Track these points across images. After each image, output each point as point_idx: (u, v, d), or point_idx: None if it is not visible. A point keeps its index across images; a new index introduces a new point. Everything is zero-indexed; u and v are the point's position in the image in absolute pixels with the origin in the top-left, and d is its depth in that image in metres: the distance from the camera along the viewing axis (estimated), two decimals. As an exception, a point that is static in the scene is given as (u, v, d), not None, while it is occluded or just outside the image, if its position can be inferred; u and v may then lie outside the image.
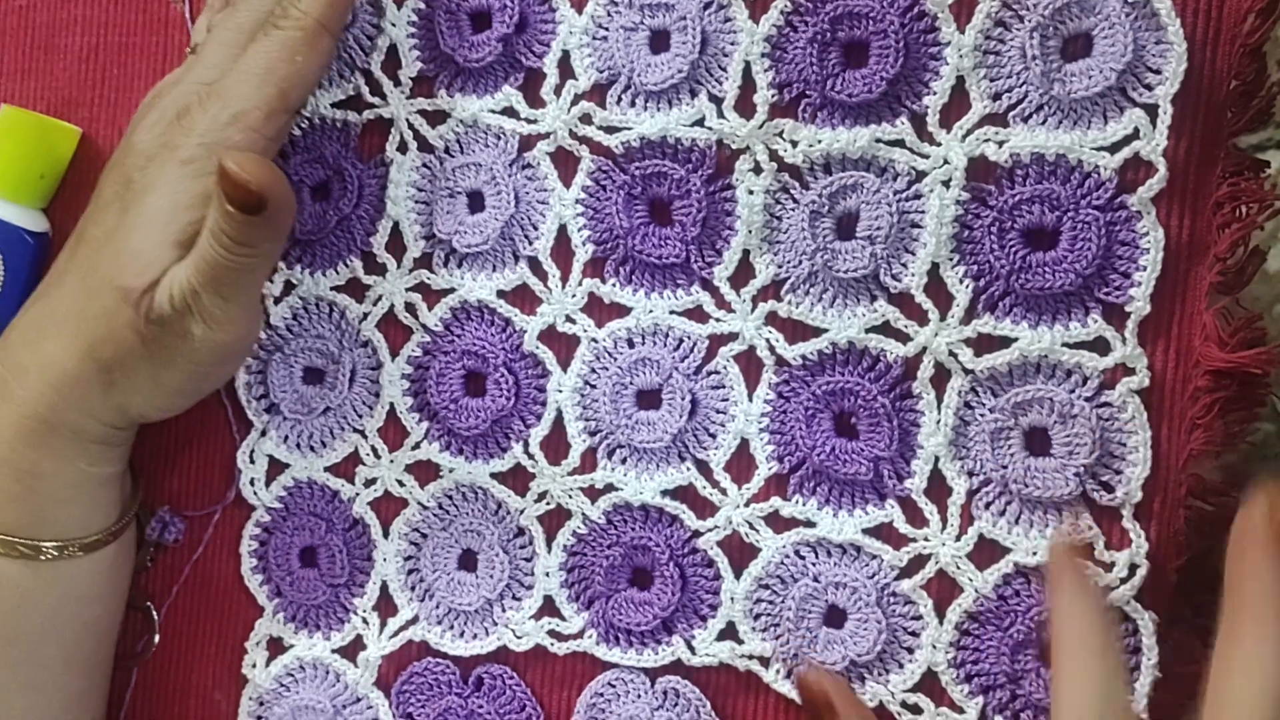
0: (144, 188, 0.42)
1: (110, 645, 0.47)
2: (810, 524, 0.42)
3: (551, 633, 0.45)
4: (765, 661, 0.43)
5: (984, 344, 0.41)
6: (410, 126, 0.46)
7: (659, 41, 0.43)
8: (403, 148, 0.46)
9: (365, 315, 0.46)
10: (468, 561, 0.46)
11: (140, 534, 0.49)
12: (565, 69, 0.44)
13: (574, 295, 0.44)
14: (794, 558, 0.43)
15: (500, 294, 0.45)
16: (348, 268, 0.47)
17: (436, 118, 0.46)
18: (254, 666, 0.48)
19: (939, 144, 0.41)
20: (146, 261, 0.41)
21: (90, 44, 0.50)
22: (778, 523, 0.43)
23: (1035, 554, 0.40)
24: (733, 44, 0.42)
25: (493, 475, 0.45)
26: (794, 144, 0.42)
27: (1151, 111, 0.39)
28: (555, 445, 0.45)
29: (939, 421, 0.41)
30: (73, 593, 0.44)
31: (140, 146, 0.43)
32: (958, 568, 0.41)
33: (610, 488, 0.44)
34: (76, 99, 0.51)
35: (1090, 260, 0.39)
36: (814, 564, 0.42)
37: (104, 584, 0.45)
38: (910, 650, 0.42)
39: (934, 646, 0.41)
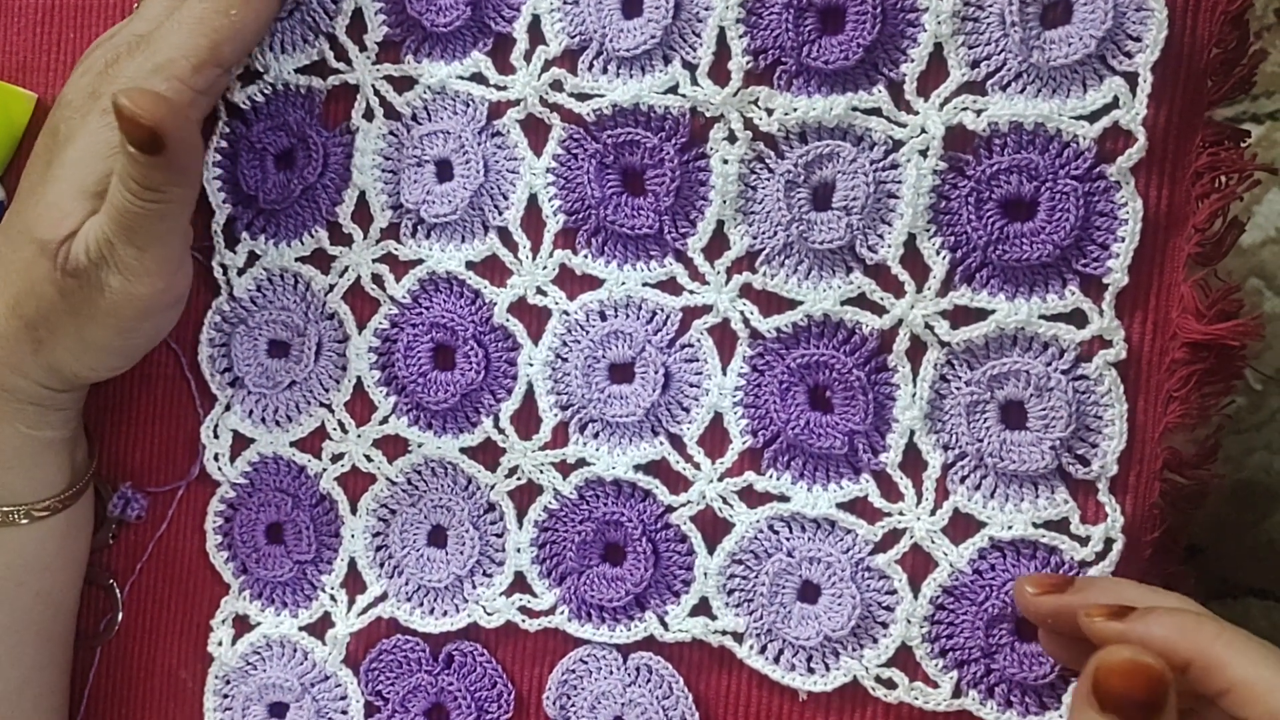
0: (66, 139, 0.41)
1: (67, 619, 0.46)
2: (784, 498, 0.42)
3: (523, 609, 0.44)
4: (739, 637, 0.42)
5: (960, 316, 0.40)
6: (376, 93, 0.45)
7: (631, 6, 0.42)
8: (369, 115, 0.45)
9: (331, 287, 0.45)
10: (437, 538, 0.45)
11: (102, 510, 0.48)
12: (535, 34, 0.43)
13: (545, 267, 0.44)
14: (768, 532, 0.42)
15: (469, 265, 0.44)
16: (313, 238, 0.45)
17: (403, 84, 0.45)
18: (220, 645, 0.47)
19: (916, 113, 0.40)
20: (62, 212, 0.40)
21: (46, 6, 0.49)
22: (751, 497, 0.42)
23: (1010, 528, 0.40)
24: (707, 9, 0.41)
25: (462, 450, 0.44)
26: (769, 112, 0.41)
27: (1131, 80, 0.38)
28: (526, 419, 0.44)
29: (914, 395, 0.41)
30: (19, 560, 0.43)
31: (69, 98, 0.42)
32: (933, 542, 0.41)
33: (582, 462, 0.43)
34: (32, 63, 0.49)
35: (1068, 231, 0.39)
36: (788, 539, 0.42)
37: (54, 554, 0.44)
38: (885, 625, 0.41)
39: (909, 621, 0.41)
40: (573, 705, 0.44)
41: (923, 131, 0.40)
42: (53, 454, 0.44)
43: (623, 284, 0.43)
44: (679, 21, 0.42)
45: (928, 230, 0.40)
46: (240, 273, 0.46)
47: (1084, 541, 0.40)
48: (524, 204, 0.44)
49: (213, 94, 0.43)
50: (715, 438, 0.43)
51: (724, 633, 0.42)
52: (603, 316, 0.43)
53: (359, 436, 0.45)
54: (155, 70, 0.40)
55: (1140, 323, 0.39)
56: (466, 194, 0.44)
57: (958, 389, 0.40)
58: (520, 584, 0.44)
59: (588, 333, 0.43)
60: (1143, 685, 0.32)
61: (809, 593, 0.42)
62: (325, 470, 0.46)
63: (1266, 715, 0.33)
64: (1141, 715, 0.32)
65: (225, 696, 0.47)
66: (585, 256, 0.43)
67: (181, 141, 0.38)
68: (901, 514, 0.41)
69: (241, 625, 0.47)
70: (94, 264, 0.40)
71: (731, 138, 0.42)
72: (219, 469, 0.47)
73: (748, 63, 0.41)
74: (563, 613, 0.44)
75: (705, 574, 0.42)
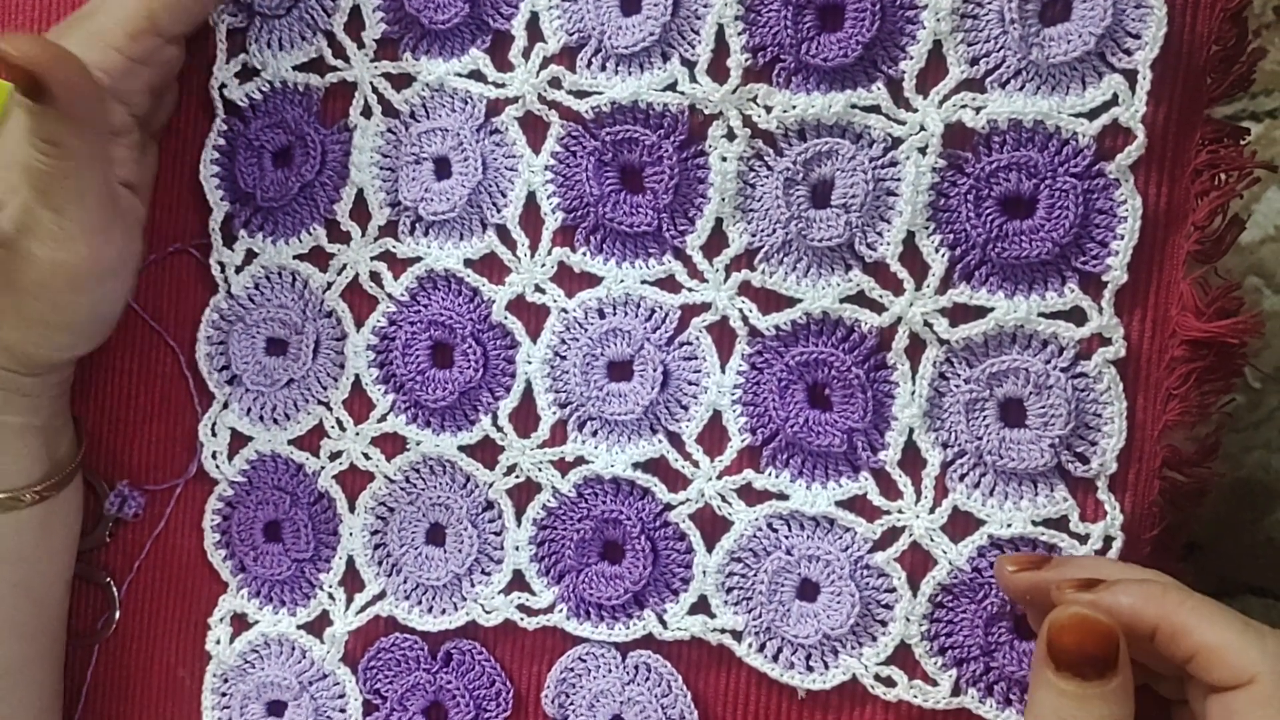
0: (6, 115, 0.41)
1: (52, 614, 0.46)
2: (783, 496, 0.42)
3: (521, 607, 0.44)
4: (738, 635, 0.42)
5: (959, 314, 0.40)
6: (374, 90, 0.45)
7: (630, 3, 0.42)
8: (367, 112, 0.45)
9: (329, 285, 0.45)
10: (436, 536, 0.45)
11: (98, 508, 0.47)
12: (534, 31, 0.43)
13: (543, 264, 0.43)
14: (767, 530, 0.42)
15: (468, 263, 0.44)
16: (311, 236, 0.45)
17: (401, 81, 0.45)
18: (218, 643, 0.47)
19: (915, 110, 0.40)
20: None
21: (44, 4, 0.49)
22: (750, 495, 0.42)
23: (1009, 526, 0.40)
24: (705, 6, 0.41)
25: (461, 448, 0.44)
26: (768, 109, 0.41)
27: (1130, 77, 0.38)
28: (524, 417, 0.44)
29: (914, 392, 0.41)
30: None
31: None
32: (931, 540, 0.41)
33: (581, 460, 0.43)
34: (29, 61, 0.49)
35: (1067, 229, 0.39)
36: (787, 537, 0.42)
37: (32, 546, 0.44)
38: (884, 623, 0.41)
39: (907, 619, 0.41)
40: (571, 704, 0.44)
41: (922, 129, 0.40)
42: (24, 442, 0.43)
43: (621, 282, 0.43)
44: (677, 19, 0.42)
45: (927, 228, 0.40)
46: (238, 270, 0.46)
47: (1083, 539, 0.40)
48: (522, 201, 0.44)
49: (158, 65, 0.43)
50: (714, 436, 0.43)
51: (723, 631, 0.42)
52: (601, 314, 0.43)
53: (357, 434, 0.45)
54: (90, 39, 0.40)
55: (1139, 320, 0.39)
56: (465, 191, 0.43)
57: (957, 387, 0.40)
58: (519, 582, 0.44)
59: (586, 330, 0.43)
60: (1094, 640, 0.33)
61: (808, 591, 0.42)
62: (323, 468, 0.46)
63: (1231, 677, 0.33)
64: (1095, 672, 0.33)
65: (223, 695, 0.47)
66: (584, 254, 0.43)
67: (75, 92, 0.38)
68: (900, 512, 0.41)
69: (239, 623, 0.47)
70: (19, 233, 0.39)
71: (730, 135, 0.41)
72: (217, 467, 0.47)
73: (746, 60, 0.41)
74: (561, 611, 0.44)
75: (704, 572, 0.42)
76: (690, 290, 0.42)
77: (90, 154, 0.39)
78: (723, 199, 0.42)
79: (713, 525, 0.43)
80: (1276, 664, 0.33)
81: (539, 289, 0.44)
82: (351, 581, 0.46)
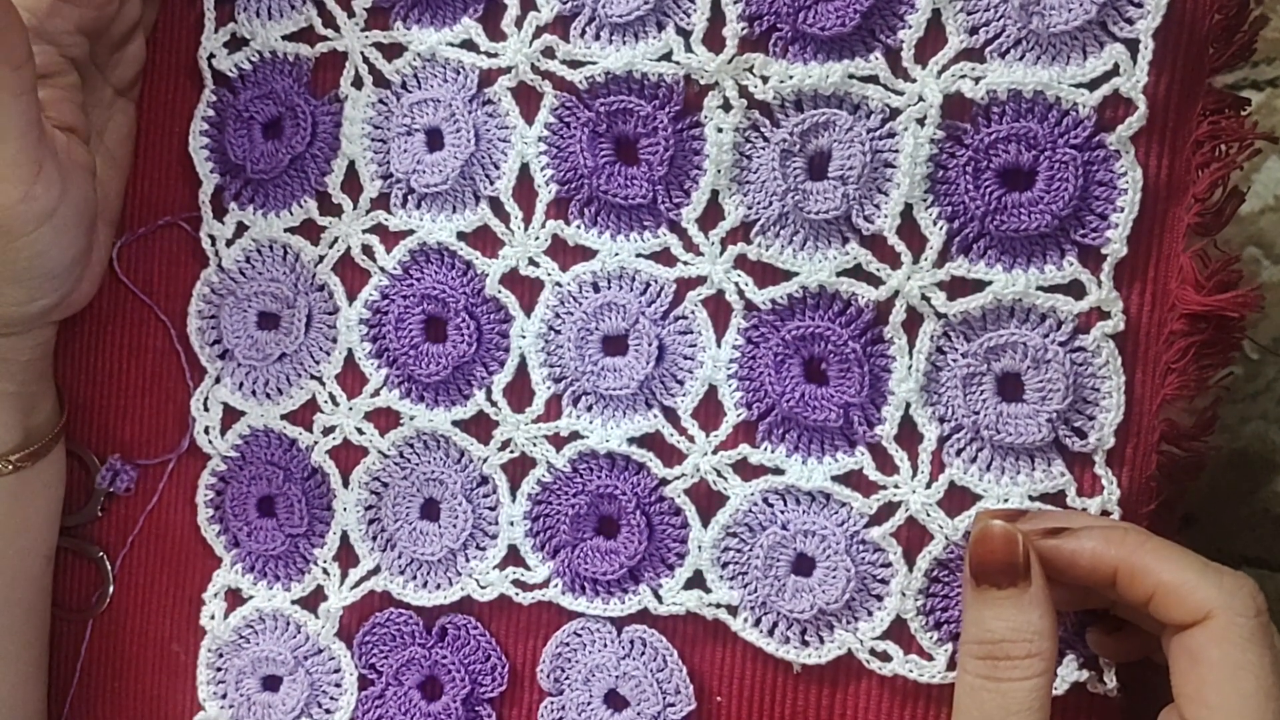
0: None
1: (32, 587, 0.46)
2: (779, 471, 0.42)
3: (516, 582, 0.44)
4: (733, 610, 0.42)
5: (957, 287, 0.40)
6: (365, 60, 0.44)
7: (624, -29, 0.41)
8: (358, 83, 0.44)
9: (321, 258, 0.45)
10: (430, 511, 0.45)
11: (90, 482, 0.47)
12: (526, 0, 0.42)
13: (537, 237, 0.43)
14: (762, 505, 0.42)
15: (461, 236, 0.44)
16: (302, 208, 0.45)
17: (393, 51, 0.44)
18: (212, 618, 0.47)
19: (914, 80, 0.39)
20: None
21: None
22: (746, 470, 0.42)
23: (1006, 500, 0.40)
24: (701, -26, 0.41)
25: (454, 423, 0.44)
26: (764, 80, 0.40)
27: (1132, 47, 0.38)
28: (519, 392, 0.44)
29: (910, 367, 0.40)
30: None
31: None
32: (928, 515, 0.41)
33: (575, 435, 0.43)
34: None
35: (1067, 201, 0.38)
36: (783, 512, 0.42)
37: (4, 516, 0.43)
38: (879, 598, 0.41)
39: (903, 594, 0.41)
40: (567, 678, 0.44)
41: (920, 100, 0.39)
42: None
43: (616, 255, 0.42)
44: (673, -13, 0.41)
45: (925, 200, 0.40)
46: (229, 243, 0.46)
47: (1080, 514, 0.39)
48: (515, 173, 0.43)
49: (88, 4, 0.41)
50: (709, 410, 0.42)
51: (718, 606, 0.42)
52: (596, 288, 0.43)
53: (350, 409, 0.45)
54: None
55: (1139, 294, 0.39)
56: (457, 163, 0.43)
57: (954, 361, 0.40)
58: (514, 557, 0.44)
59: (580, 304, 0.43)
60: (1001, 547, 0.36)
61: (803, 566, 0.42)
62: (316, 443, 0.45)
63: (1188, 615, 0.34)
64: (1007, 579, 0.36)
65: (218, 670, 0.47)
66: (578, 227, 0.43)
67: None
68: (897, 487, 0.41)
69: (234, 599, 0.47)
70: None
71: (726, 106, 0.41)
72: (209, 442, 0.47)
73: (743, 29, 0.40)
74: (556, 586, 0.44)
75: (699, 547, 0.42)
76: (685, 264, 0.42)
77: (11, 87, 0.37)
78: (718, 171, 0.41)
79: (708, 500, 0.42)
80: (1232, 600, 0.34)
81: (533, 262, 0.43)
82: (346, 557, 0.46)
